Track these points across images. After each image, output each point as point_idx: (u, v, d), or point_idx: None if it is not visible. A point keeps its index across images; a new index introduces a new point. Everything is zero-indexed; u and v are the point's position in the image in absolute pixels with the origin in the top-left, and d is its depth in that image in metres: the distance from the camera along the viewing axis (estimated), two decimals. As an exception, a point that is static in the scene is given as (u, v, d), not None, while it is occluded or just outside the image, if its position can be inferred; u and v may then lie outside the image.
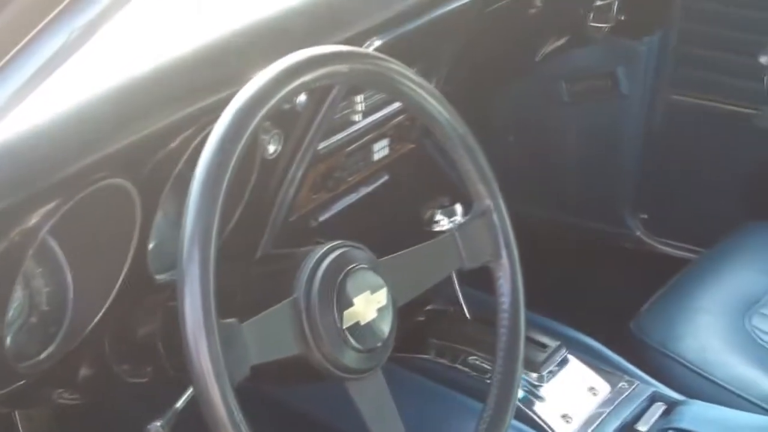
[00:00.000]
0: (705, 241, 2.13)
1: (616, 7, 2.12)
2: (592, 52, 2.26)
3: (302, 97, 1.41)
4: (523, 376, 1.62)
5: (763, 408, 1.65)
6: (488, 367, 1.65)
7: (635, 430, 1.59)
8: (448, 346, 1.72)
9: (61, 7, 0.96)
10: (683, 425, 1.56)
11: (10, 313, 1.26)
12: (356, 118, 1.60)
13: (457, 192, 1.76)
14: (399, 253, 1.25)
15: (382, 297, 1.18)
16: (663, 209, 2.39)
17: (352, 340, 1.14)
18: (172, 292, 1.30)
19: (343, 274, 1.16)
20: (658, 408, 1.63)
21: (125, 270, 1.32)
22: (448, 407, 1.64)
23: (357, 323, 1.15)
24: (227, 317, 1.04)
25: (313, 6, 1.46)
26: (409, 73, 1.27)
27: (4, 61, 0.99)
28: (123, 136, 1.21)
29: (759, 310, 1.84)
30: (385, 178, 1.81)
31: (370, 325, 1.17)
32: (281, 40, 1.37)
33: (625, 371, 1.71)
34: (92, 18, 0.98)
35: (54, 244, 1.30)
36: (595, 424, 1.60)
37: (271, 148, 1.45)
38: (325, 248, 1.18)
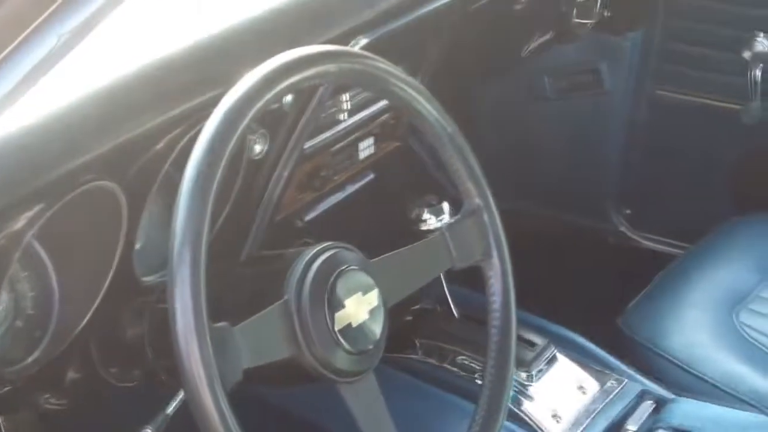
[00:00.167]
0: (689, 236, 2.13)
1: (599, 3, 2.12)
2: (575, 48, 2.25)
3: (288, 97, 1.40)
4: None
5: (752, 405, 1.65)
6: (477, 367, 1.65)
7: (625, 428, 1.59)
8: (436, 346, 1.71)
9: (50, 10, 0.95)
10: (674, 423, 1.56)
11: (-5, 318, 1.25)
12: (342, 116, 1.59)
13: (443, 190, 1.76)
14: (389, 253, 1.24)
15: (373, 298, 1.18)
16: (647, 204, 2.39)
17: (344, 343, 1.13)
18: (161, 294, 1.30)
19: (334, 275, 1.15)
20: (648, 406, 1.63)
21: (111, 273, 1.31)
22: (437, 407, 1.63)
23: (349, 325, 1.15)
24: (217, 320, 1.03)
25: (299, 5, 1.45)
26: (398, 72, 1.26)
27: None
28: (109, 138, 1.19)
29: (747, 306, 1.84)
30: (371, 176, 1.80)
31: (361, 327, 1.16)
32: (266, 41, 1.36)
33: (614, 369, 1.71)
34: (82, 21, 0.97)
35: (39, 248, 1.29)
36: (584, 423, 1.60)
37: (257, 148, 1.44)
38: (315, 250, 1.17)
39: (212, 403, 0.99)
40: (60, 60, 1.00)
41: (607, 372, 1.70)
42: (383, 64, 1.25)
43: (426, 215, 1.65)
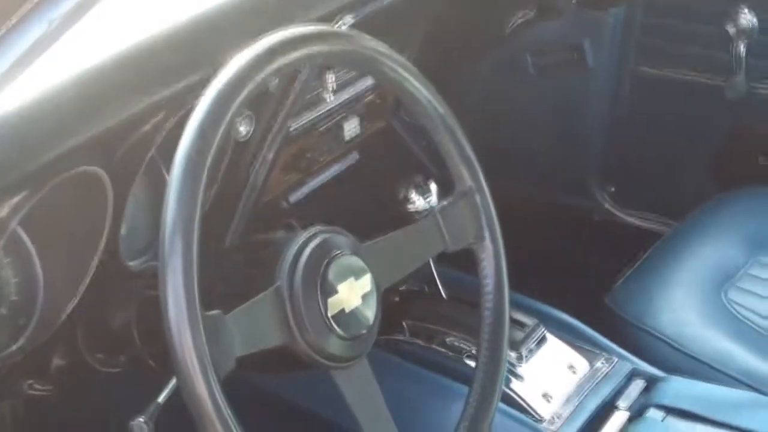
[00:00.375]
0: (673, 212, 2.13)
1: (582, -22, 2.10)
2: (558, 24, 2.23)
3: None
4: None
5: (742, 382, 1.64)
6: (465, 348, 1.64)
7: (616, 407, 1.58)
8: (424, 327, 1.70)
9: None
10: (665, 402, 1.55)
11: (-22, 305, 1.23)
12: (328, 97, 1.57)
13: (429, 171, 1.74)
14: (381, 237, 1.22)
15: (366, 283, 1.16)
16: (631, 181, 2.38)
17: (337, 328, 1.12)
18: (148, 279, 1.28)
19: (326, 261, 1.13)
20: (638, 384, 1.62)
21: (97, 258, 1.29)
22: (426, 388, 1.62)
23: (342, 310, 1.13)
24: (209, 308, 1.01)
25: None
26: (389, 51, 1.24)
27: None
28: (93, 122, 1.17)
29: (735, 284, 1.83)
30: (357, 157, 1.78)
31: (354, 312, 1.14)
32: (252, 21, 1.34)
33: (604, 348, 1.70)
34: (73, 6, 0.94)
35: (22, 233, 1.26)
36: (575, 403, 1.59)
37: (243, 130, 1.42)
38: (307, 235, 1.15)
39: (206, 393, 0.98)
40: (50, 45, 0.98)
41: (597, 351, 1.69)
42: (375, 44, 1.23)
43: (413, 196, 1.63)
